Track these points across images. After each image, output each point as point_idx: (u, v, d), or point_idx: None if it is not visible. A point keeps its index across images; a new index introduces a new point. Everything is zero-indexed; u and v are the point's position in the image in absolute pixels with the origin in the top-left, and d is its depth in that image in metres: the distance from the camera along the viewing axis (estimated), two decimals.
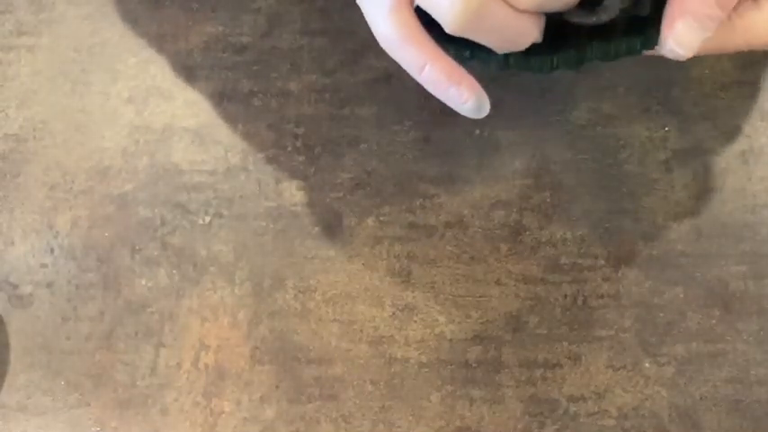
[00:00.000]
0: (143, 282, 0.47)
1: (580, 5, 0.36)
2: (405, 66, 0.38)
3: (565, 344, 0.45)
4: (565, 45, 0.37)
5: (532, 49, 0.37)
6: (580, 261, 0.46)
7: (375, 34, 0.38)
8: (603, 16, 0.36)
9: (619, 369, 0.44)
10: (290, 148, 0.49)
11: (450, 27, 0.36)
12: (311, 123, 0.49)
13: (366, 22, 0.38)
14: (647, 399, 0.44)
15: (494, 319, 0.45)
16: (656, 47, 0.36)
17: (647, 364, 0.44)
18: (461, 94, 0.38)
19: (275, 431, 0.44)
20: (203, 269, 0.47)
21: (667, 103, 0.48)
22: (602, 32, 0.37)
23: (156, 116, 0.50)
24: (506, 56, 0.38)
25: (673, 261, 0.46)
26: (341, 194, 0.48)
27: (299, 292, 0.46)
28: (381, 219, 0.47)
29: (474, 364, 0.45)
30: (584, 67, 0.38)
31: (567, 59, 0.37)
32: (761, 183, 0.46)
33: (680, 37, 0.34)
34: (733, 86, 0.48)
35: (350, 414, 0.44)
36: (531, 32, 0.37)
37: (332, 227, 0.45)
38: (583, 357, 0.44)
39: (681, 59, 0.35)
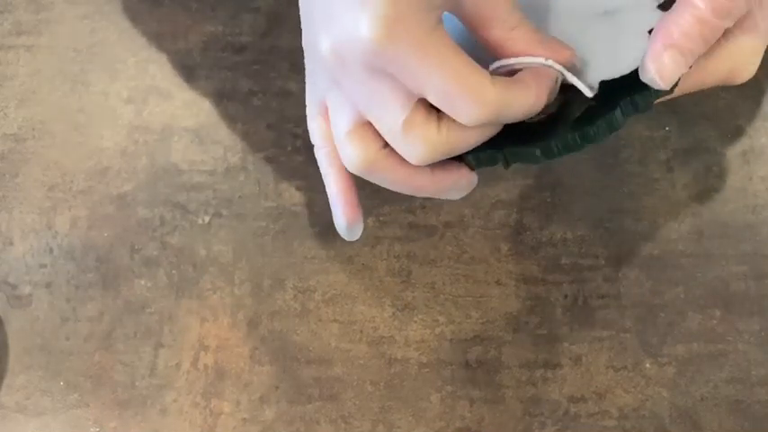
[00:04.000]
0: (142, 282, 0.47)
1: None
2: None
3: (565, 344, 0.45)
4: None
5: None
6: (580, 261, 0.46)
7: None
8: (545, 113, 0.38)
9: (619, 369, 0.44)
10: (289, 148, 0.49)
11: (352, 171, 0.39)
12: None
13: None
14: (647, 399, 0.44)
15: (494, 320, 0.45)
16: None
17: (647, 365, 0.44)
18: (338, 214, 0.42)
19: None
20: (203, 269, 0.47)
21: (668, 103, 0.48)
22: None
23: (155, 116, 0.50)
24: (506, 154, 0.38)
25: (673, 261, 0.46)
26: None
27: (299, 292, 0.46)
28: (381, 219, 0.47)
29: (474, 365, 0.45)
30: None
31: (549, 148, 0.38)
32: (762, 183, 0.46)
33: (664, 69, 0.35)
34: (733, 86, 0.47)
35: (350, 414, 0.44)
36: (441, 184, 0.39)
37: (332, 227, 0.45)
38: (583, 358, 0.44)
39: (659, 89, 0.36)
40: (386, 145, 0.37)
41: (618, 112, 0.36)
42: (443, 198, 0.40)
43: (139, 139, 0.49)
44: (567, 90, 0.38)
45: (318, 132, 0.41)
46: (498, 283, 0.46)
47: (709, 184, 0.47)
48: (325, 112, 0.40)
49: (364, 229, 0.45)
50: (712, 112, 0.47)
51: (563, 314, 0.45)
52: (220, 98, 0.50)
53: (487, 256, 0.46)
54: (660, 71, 0.35)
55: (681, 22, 0.34)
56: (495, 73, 0.37)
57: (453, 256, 0.46)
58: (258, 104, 0.50)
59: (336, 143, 0.39)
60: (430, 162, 0.37)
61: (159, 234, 0.48)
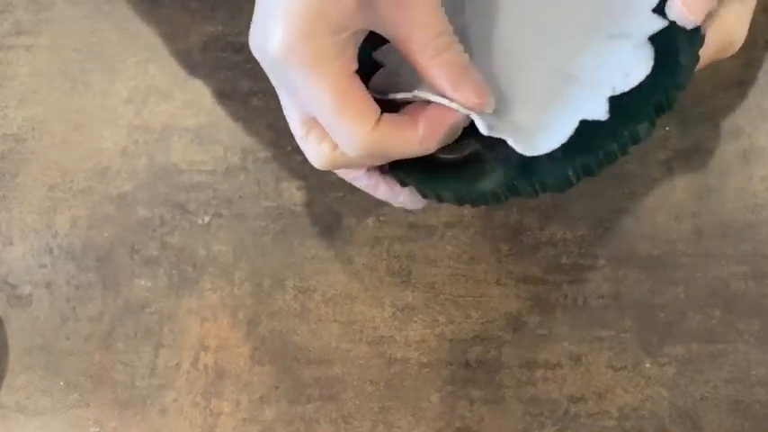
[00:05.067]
0: (142, 282, 0.47)
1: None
2: None
3: (565, 344, 0.45)
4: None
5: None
6: (580, 261, 0.46)
7: None
8: (460, 153, 0.37)
9: (619, 369, 0.44)
10: (289, 148, 0.49)
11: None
12: None
13: None
14: (647, 399, 0.44)
15: (494, 320, 0.45)
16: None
17: (647, 365, 0.44)
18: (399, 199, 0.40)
19: None
20: (203, 269, 0.47)
21: None
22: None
23: (155, 116, 0.50)
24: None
25: (673, 261, 0.46)
26: (341, 194, 0.48)
27: (299, 292, 0.46)
28: (381, 219, 0.47)
29: (474, 365, 0.45)
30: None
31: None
32: (762, 182, 0.46)
33: (693, 2, 0.35)
34: (733, 86, 0.47)
35: (350, 414, 0.44)
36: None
37: (332, 227, 0.45)
38: (583, 358, 0.44)
39: (689, 26, 0.35)
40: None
41: (569, 174, 0.35)
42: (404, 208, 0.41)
43: (139, 138, 0.49)
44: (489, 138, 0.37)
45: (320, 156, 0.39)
46: (498, 283, 0.46)
47: (709, 184, 0.46)
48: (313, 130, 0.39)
49: (364, 229, 0.45)
50: (712, 112, 0.47)
51: (563, 314, 0.45)
52: (220, 98, 0.50)
53: (487, 256, 0.46)
54: (687, 2, 0.35)
55: None
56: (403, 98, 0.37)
57: (453, 256, 0.46)
58: (258, 104, 0.50)
59: None
60: (332, 170, 0.38)
61: (159, 234, 0.48)
